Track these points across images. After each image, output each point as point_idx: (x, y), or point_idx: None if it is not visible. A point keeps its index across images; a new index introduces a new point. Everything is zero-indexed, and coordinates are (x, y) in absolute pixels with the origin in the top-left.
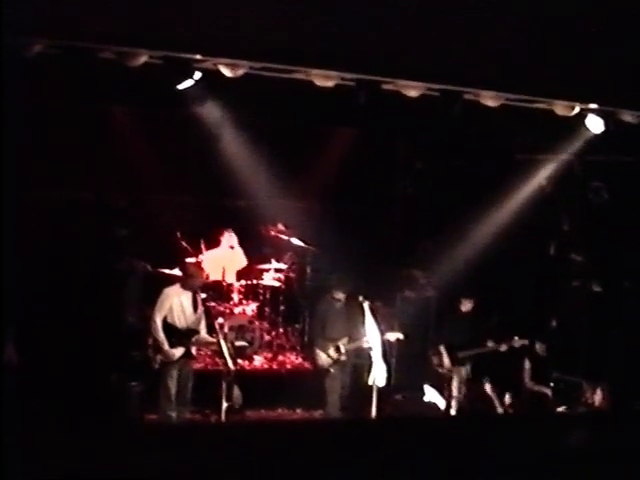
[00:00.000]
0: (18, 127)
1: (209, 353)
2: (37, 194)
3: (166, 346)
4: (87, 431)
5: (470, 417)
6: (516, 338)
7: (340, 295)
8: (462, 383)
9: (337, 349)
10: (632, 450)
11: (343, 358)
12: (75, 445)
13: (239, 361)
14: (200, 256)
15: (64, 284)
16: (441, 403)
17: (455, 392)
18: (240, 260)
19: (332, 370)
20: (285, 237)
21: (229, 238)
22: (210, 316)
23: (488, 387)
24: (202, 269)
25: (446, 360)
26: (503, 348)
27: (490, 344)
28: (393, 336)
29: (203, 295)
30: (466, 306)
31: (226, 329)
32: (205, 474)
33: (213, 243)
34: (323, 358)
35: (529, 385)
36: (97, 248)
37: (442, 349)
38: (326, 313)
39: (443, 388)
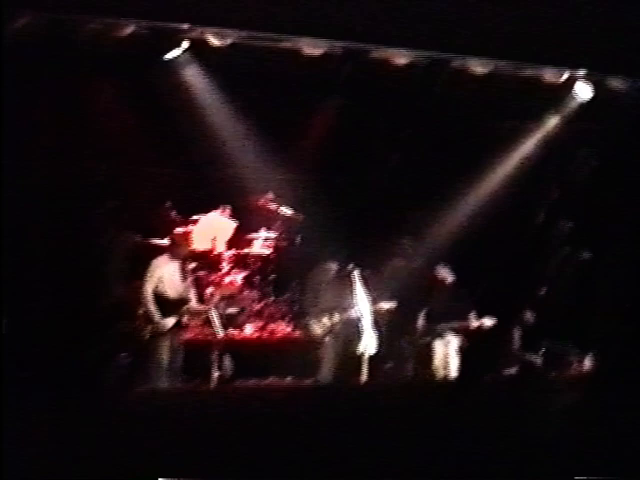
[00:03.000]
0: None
1: (199, 323)
2: (25, 165)
3: (157, 317)
4: (78, 402)
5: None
6: (486, 318)
7: (333, 265)
8: (449, 355)
9: (331, 318)
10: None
11: (337, 327)
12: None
13: (229, 330)
14: (190, 226)
15: (52, 257)
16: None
17: (436, 362)
18: (229, 227)
19: (326, 340)
20: (274, 206)
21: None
22: (200, 286)
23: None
24: (189, 238)
25: (420, 328)
26: (473, 327)
27: (463, 323)
28: (387, 305)
29: (192, 264)
30: (444, 274)
31: (216, 298)
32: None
33: (202, 213)
34: (317, 328)
35: (518, 354)
36: (85, 220)
37: (420, 317)
38: (319, 283)
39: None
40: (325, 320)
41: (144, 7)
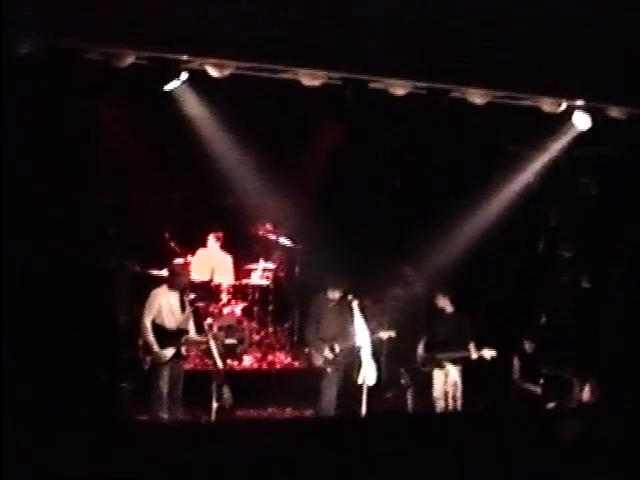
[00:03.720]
0: (13, 126)
1: (198, 353)
2: (27, 192)
3: (156, 347)
4: (78, 430)
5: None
6: (486, 349)
7: (335, 295)
8: (449, 385)
9: (332, 349)
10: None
11: (339, 358)
12: (67, 444)
13: (228, 361)
14: (188, 257)
15: (54, 282)
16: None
17: (437, 393)
18: (227, 260)
19: (329, 370)
20: (273, 236)
21: (214, 240)
22: (199, 316)
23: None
24: (188, 269)
25: (420, 357)
26: (474, 357)
27: (464, 352)
28: (385, 334)
29: (192, 295)
30: (444, 303)
31: (215, 329)
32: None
33: (201, 243)
34: (319, 359)
35: (518, 382)
36: (87, 246)
37: (420, 346)
38: (320, 313)
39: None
40: (327, 351)
41: (144, 38)
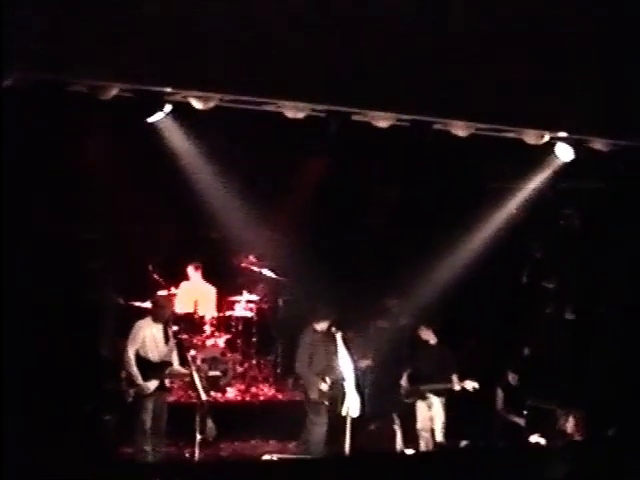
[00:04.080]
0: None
1: (182, 385)
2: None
3: (140, 380)
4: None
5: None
6: (468, 381)
7: (323, 326)
8: (433, 417)
9: (325, 381)
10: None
11: (332, 391)
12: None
13: (212, 393)
14: (172, 289)
15: (37, 315)
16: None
17: (420, 425)
18: (210, 292)
19: (326, 403)
20: (256, 269)
21: (194, 270)
22: (182, 348)
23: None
24: (172, 301)
25: (403, 389)
26: (457, 388)
27: (447, 384)
28: (364, 363)
29: (175, 327)
30: (427, 335)
31: (199, 361)
32: None
33: (185, 276)
34: (315, 392)
35: (502, 414)
36: (70, 279)
37: (403, 378)
38: (310, 345)
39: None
40: (321, 384)
41: (127, 70)
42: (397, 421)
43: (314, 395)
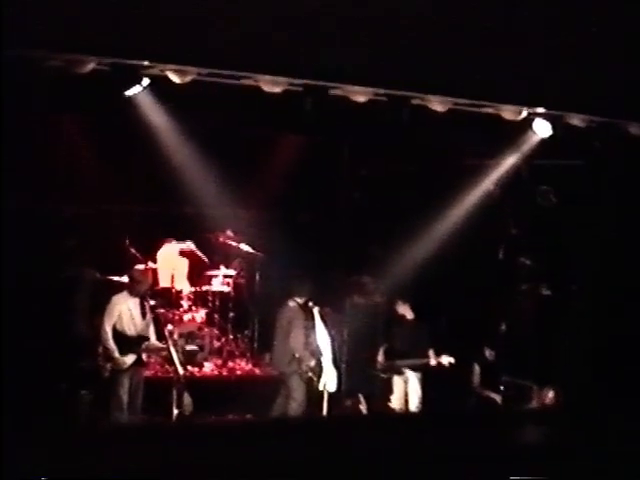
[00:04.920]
0: None
1: (159, 360)
2: None
3: (116, 354)
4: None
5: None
6: (444, 356)
7: (300, 301)
8: (407, 393)
9: (303, 357)
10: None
11: (309, 365)
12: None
13: (189, 368)
14: (149, 263)
15: (12, 291)
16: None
17: (396, 400)
18: (184, 264)
19: (304, 378)
20: (234, 243)
21: (175, 246)
22: (160, 323)
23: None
24: (148, 275)
25: (379, 365)
26: (433, 363)
27: (423, 359)
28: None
29: (152, 302)
30: (404, 310)
31: (175, 336)
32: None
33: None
34: (294, 367)
35: (478, 390)
36: (46, 258)
37: (380, 353)
38: (288, 320)
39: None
40: (299, 359)
41: (105, 44)
42: (362, 400)
43: (291, 370)
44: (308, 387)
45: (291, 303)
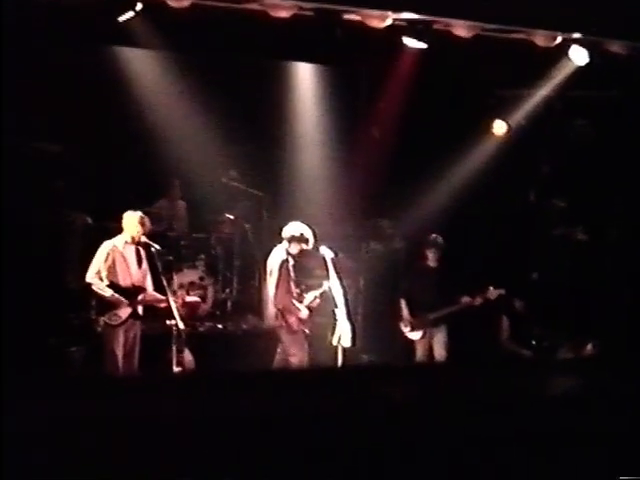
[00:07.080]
0: None
1: (156, 313)
2: None
3: (113, 295)
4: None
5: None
6: (491, 288)
7: (303, 247)
8: (432, 350)
9: (306, 307)
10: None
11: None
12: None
13: (190, 321)
14: (145, 208)
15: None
16: None
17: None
18: (182, 208)
19: (306, 331)
20: (237, 185)
21: (177, 189)
22: (157, 272)
23: None
24: (145, 221)
25: (406, 316)
26: (478, 302)
27: (465, 299)
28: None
29: (157, 246)
30: (430, 258)
31: (175, 286)
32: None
33: (161, 194)
34: (292, 318)
35: (506, 345)
36: (31, 201)
37: (402, 304)
38: (288, 266)
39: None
40: (302, 309)
41: None
42: None
43: (291, 321)
44: (320, 341)
45: (288, 249)
